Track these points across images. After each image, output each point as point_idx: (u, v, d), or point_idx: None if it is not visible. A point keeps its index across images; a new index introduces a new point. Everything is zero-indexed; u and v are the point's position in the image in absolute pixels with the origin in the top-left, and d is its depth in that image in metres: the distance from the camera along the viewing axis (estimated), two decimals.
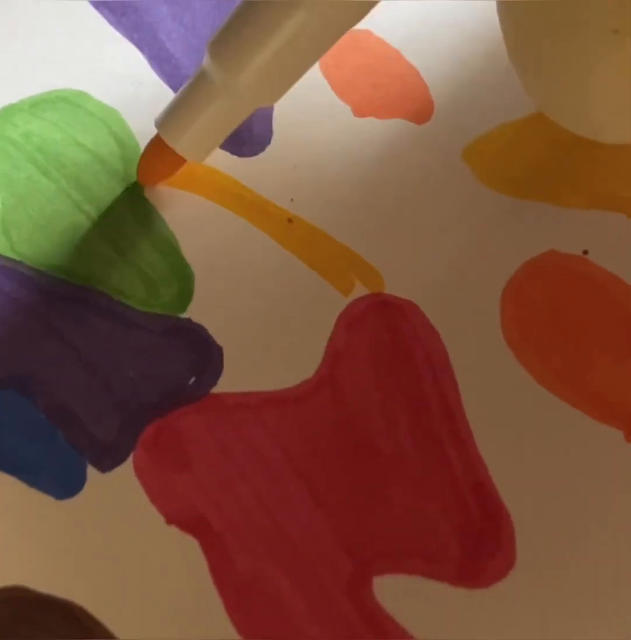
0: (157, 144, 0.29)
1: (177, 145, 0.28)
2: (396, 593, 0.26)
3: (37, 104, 0.32)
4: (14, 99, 0.32)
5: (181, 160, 0.29)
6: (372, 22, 0.32)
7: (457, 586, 0.26)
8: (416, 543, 0.27)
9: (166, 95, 0.32)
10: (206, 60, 0.27)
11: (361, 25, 0.32)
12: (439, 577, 0.26)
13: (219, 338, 0.29)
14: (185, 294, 0.29)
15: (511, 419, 0.28)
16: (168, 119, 0.28)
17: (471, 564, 0.26)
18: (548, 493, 0.27)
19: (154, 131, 0.29)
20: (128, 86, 0.32)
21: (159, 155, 0.29)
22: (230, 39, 0.27)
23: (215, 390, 0.28)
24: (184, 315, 0.29)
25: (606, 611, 0.26)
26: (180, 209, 0.30)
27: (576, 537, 0.27)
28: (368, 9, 0.27)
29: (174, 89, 0.32)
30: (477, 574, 0.26)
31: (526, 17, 0.26)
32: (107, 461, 0.27)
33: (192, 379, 0.28)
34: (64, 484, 0.27)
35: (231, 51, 0.27)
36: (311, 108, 0.31)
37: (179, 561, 0.26)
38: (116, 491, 0.27)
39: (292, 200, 0.30)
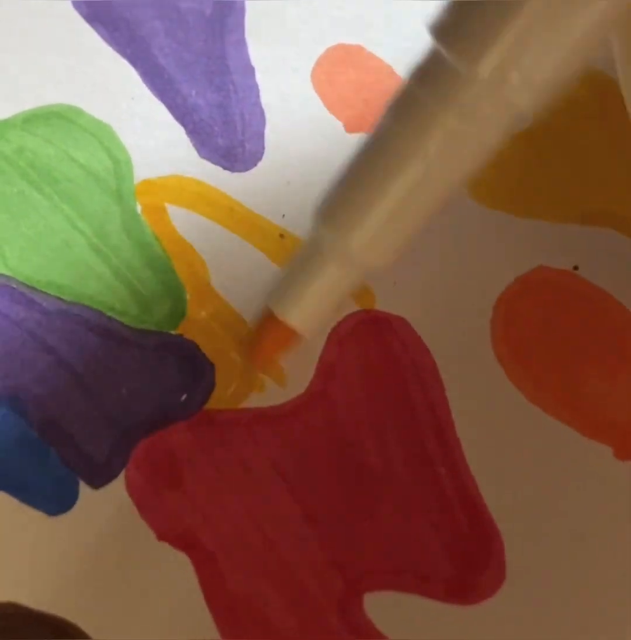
0: (268, 319, 0.27)
1: (289, 319, 0.26)
2: (387, 610, 0.26)
3: (30, 119, 0.31)
4: (6, 114, 0.32)
5: (293, 335, 0.27)
6: (365, 38, 0.32)
7: (448, 603, 0.26)
8: (406, 559, 0.27)
9: (159, 111, 0.32)
10: (314, 225, 0.25)
11: (354, 40, 0.33)
12: (430, 594, 0.27)
13: (211, 355, 0.29)
14: (177, 311, 0.29)
15: (501, 435, 0.28)
16: (277, 291, 0.26)
17: (461, 580, 0.27)
18: (537, 509, 0.27)
19: (147, 146, 0.29)
20: (121, 101, 0.32)
21: (271, 331, 0.27)
22: (340, 199, 0.25)
23: (207, 407, 0.28)
24: (177, 332, 0.29)
25: (596, 627, 0.26)
26: (172, 225, 0.30)
27: (565, 553, 0.27)
28: (485, 155, 0.24)
29: (167, 105, 0.32)
30: (467, 591, 0.27)
31: None
32: (99, 478, 0.27)
33: (184, 396, 0.28)
34: (56, 500, 0.27)
35: (342, 213, 0.24)
36: (304, 124, 0.31)
37: (170, 578, 0.26)
38: (107, 507, 0.27)
39: (283, 216, 0.30)
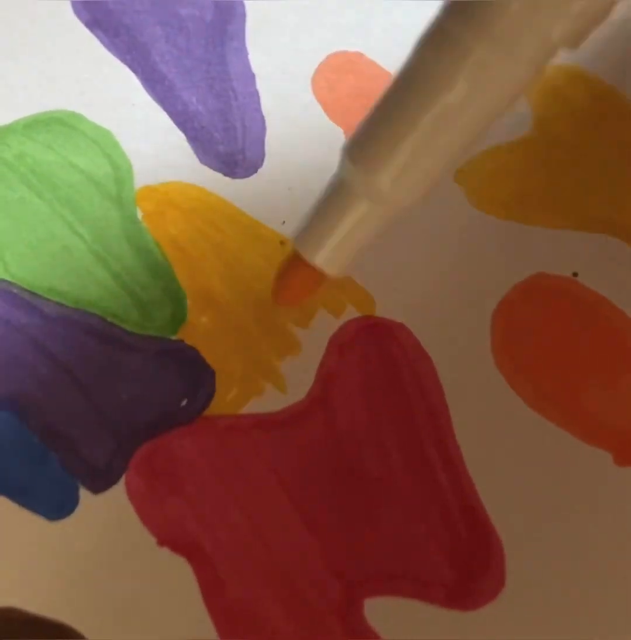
0: (293, 260, 0.25)
1: (315, 259, 0.25)
2: (387, 615, 0.26)
3: (31, 125, 0.31)
4: (7, 120, 0.32)
5: (320, 276, 0.25)
6: (365, 45, 0.32)
7: (447, 608, 0.26)
8: (406, 565, 0.27)
9: (159, 117, 0.32)
10: (341, 163, 0.24)
11: (354, 47, 0.33)
12: (430, 599, 0.27)
13: (211, 360, 0.29)
14: (178, 317, 0.29)
15: (501, 441, 0.28)
16: (304, 231, 0.25)
17: (461, 586, 0.27)
18: (537, 515, 0.27)
19: (147, 152, 0.29)
20: (121, 108, 0.32)
21: (298, 272, 0.25)
22: (369, 135, 0.23)
23: (207, 412, 0.28)
24: (177, 337, 0.29)
25: (596, 632, 0.26)
26: (172, 231, 0.30)
27: (565, 558, 0.27)
28: (517, 91, 0.23)
29: (168, 111, 0.32)
30: (467, 596, 0.27)
31: None
32: (100, 483, 0.27)
33: (185, 401, 0.28)
34: (56, 506, 0.27)
35: (370, 149, 0.23)
36: (304, 131, 0.32)
37: (171, 583, 0.26)
38: (108, 513, 0.27)
39: (283, 222, 0.30)
